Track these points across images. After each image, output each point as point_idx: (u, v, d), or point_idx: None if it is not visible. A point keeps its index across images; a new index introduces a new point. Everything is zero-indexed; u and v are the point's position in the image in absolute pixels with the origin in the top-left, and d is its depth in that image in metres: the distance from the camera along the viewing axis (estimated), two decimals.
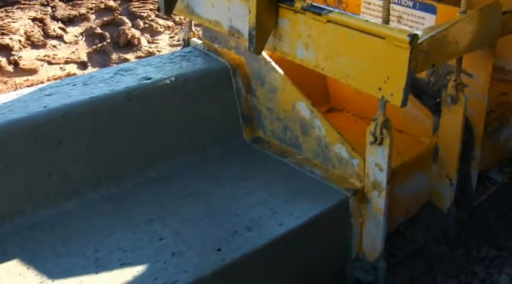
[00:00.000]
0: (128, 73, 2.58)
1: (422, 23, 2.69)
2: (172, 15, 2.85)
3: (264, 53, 2.58)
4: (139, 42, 5.55)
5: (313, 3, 2.19)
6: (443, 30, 2.10)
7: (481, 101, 2.60)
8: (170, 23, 6.01)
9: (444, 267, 2.45)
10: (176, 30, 5.90)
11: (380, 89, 2.03)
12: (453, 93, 2.45)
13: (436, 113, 2.60)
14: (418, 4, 2.69)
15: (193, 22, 2.91)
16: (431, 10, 2.66)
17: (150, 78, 2.53)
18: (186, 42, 2.93)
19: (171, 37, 5.81)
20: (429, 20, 2.67)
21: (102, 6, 6.26)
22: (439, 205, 2.66)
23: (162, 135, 2.51)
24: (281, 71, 2.55)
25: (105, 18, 6.00)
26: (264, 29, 2.28)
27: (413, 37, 1.91)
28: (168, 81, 2.54)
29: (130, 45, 5.55)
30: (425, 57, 2.04)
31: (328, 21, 2.12)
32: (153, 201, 2.28)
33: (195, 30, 2.97)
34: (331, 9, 2.14)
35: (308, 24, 2.20)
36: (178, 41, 5.61)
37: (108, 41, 5.58)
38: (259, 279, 2.12)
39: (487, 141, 2.83)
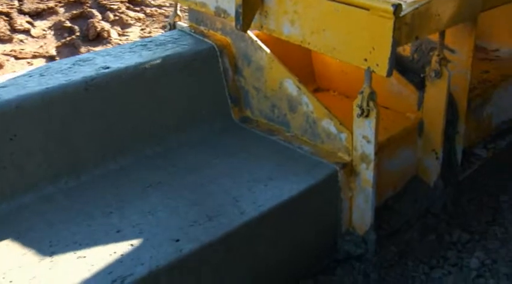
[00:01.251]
0: (87, 64, 2.52)
1: None
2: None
3: (250, 33, 2.62)
4: (109, 35, 5.43)
5: None
6: (426, 3, 2.14)
7: (464, 76, 2.65)
8: (141, 15, 5.92)
9: (415, 253, 2.46)
10: (147, 22, 5.81)
11: (366, 60, 2.06)
12: (437, 68, 2.50)
13: (420, 89, 2.65)
14: None
15: (178, 6, 2.93)
16: None
17: (108, 67, 2.48)
18: (172, 26, 2.95)
19: (142, 29, 5.71)
20: None
21: None
22: (425, 179, 2.70)
23: (123, 125, 2.46)
24: (267, 50, 2.58)
25: (74, 11, 5.84)
26: (250, 7, 2.31)
27: (397, 7, 1.95)
28: (126, 70, 2.48)
29: (100, 38, 5.42)
30: (409, 29, 2.08)
31: None
32: (112, 194, 2.23)
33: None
34: None
35: (294, 0, 2.23)
36: (150, 33, 5.55)
37: (78, 34, 5.44)
38: (220, 269, 2.07)
39: (471, 117, 2.89)
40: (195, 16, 2.85)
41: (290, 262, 2.33)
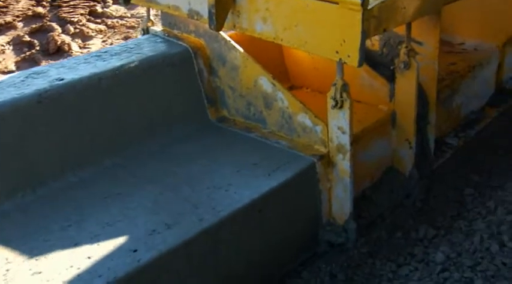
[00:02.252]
0: (40, 76, 2.49)
1: None
2: (130, 4, 2.89)
3: (224, 34, 2.67)
4: (69, 48, 5.36)
5: None
6: None
7: (431, 67, 2.75)
8: (102, 27, 5.87)
9: (383, 251, 2.48)
10: (109, 34, 5.75)
11: (337, 52, 2.13)
12: (405, 59, 2.59)
13: (391, 81, 2.73)
14: None
15: (151, 11, 2.98)
16: None
17: (62, 79, 2.45)
18: (145, 31, 2.99)
19: (103, 41, 5.63)
20: None
21: (30, 13, 6.05)
22: (400, 169, 2.78)
23: (81, 137, 2.44)
24: (241, 49, 2.64)
25: (34, 25, 5.80)
26: (222, 6, 2.37)
27: (364, 0, 2.03)
28: (80, 81, 2.46)
29: (60, 51, 5.34)
30: (377, 21, 2.15)
31: None
32: (71, 207, 2.20)
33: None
34: None
35: None
36: (111, 44, 5.46)
37: (37, 48, 5.38)
38: (181, 277, 2.04)
39: (441, 107, 2.99)
40: (167, 20, 2.90)
41: (268, 260, 2.33)
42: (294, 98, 2.51)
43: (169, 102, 2.70)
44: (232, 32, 2.77)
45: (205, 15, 2.45)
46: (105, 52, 2.74)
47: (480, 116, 3.33)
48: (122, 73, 2.58)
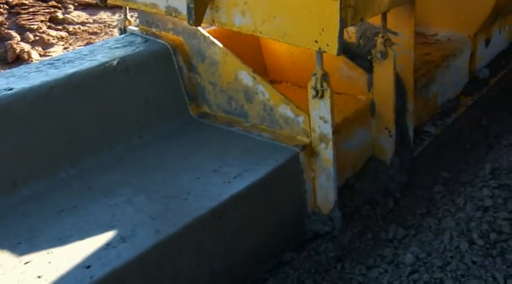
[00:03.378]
0: None
1: None
2: (105, 5, 2.89)
3: (202, 30, 2.69)
4: (29, 56, 5.23)
5: None
6: None
7: (408, 56, 2.79)
8: (64, 34, 5.77)
9: (352, 254, 2.45)
10: (70, 41, 5.65)
11: (316, 41, 2.16)
12: (382, 49, 2.63)
13: (369, 71, 2.77)
14: None
15: (128, 10, 2.98)
16: None
17: (11, 89, 2.37)
18: (123, 31, 2.99)
19: (65, 48, 5.50)
20: None
21: None
22: (382, 157, 2.82)
23: (34, 148, 2.35)
24: (220, 44, 2.65)
25: None
26: (201, 1, 2.39)
27: None
28: (30, 90, 2.38)
29: (20, 60, 5.19)
30: (354, 11, 2.19)
31: None
32: (23, 222, 2.11)
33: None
34: None
35: None
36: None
37: None
38: None
39: (418, 97, 3.04)
40: (145, 18, 2.91)
41: (242, 264, 2.29)
42: (275, 90, 2.53)
43: (149, 100, 2.69)
44: (210, 28, 2.79)
45: (184, 11, 2.46)
46: (58, 60, 2.65)
47: (456, 104, 3.40)
48: (74, 81, 2.49)
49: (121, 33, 2.99)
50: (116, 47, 2.74)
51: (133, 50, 2.71)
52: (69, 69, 2.54)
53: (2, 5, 6.35)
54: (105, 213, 2.15)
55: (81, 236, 2.03)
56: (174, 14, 2.58)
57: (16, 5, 6.39)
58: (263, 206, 2.35)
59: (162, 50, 2.76)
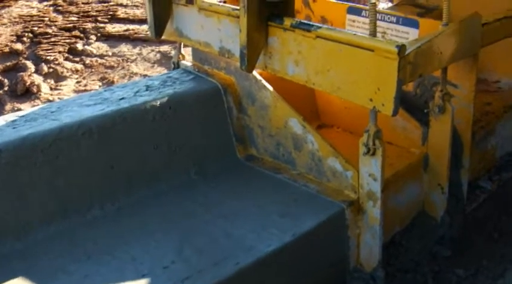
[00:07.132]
0: None
1: (406, 38, 2.76)
2: (161, 39, 2.88)
3: (254, 72, 2.64)
4: (39, 90, 5.09)
5: (302, 21, 2.26)
6: (427, 41, 2.17)
7: (467, 110, 2.67)
8: (79, 66, 5.59)
9: None
10: (85, 74, 5.46)
11: (371, 100, 2.08)
12: (440, 103, 2.52)
13: (424, 124, 2.66)
14: (401, 19, 2.77)
15: (182, 45, 2.96)
16: (415, 25, 2.74)
17: None
18: (176, 65, 2.97)
19: (78, 82, 5.31)
20: (413, 34, 2.74)
21: (7, 49, 5.86)
22: (432, 214, 2.70)
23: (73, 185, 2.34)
24: (271, 88, 2.60)
25: (8, 63, 5.55)
26: (254, 47, 2.33)
27: (401, 47, 1.97)
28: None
29: (29, 93, 5.07)
30: (413, 67, 2.10)
31: (318, 36, 2.18)
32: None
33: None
34: (320, 25, 2.20)
35: (298, 41, 2.25)
36: (85, 85, 5.20)
37: (6, 89, 5.14)
38: None
39: (475, 149, 2.90)
40: (198, 55, 2.88)
41: None
42: (324, 141, 2.45)
43: (197, 139, 2.67)
44: None
45: (237, 53, 2.42)
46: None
47: None
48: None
49: (174, 68, 2.98)
50: (168, 85, 2.72)
51: (183, 88, 2.69)
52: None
53: (26, 33, 6.30)
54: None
55: None
56: (227, 55, 2.54)
57: (40, 33, 6.32)
58: (304, 261, 2.28)
59: (212, 89, 2.72)
